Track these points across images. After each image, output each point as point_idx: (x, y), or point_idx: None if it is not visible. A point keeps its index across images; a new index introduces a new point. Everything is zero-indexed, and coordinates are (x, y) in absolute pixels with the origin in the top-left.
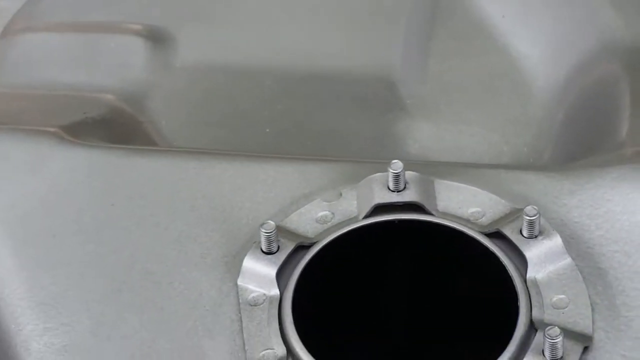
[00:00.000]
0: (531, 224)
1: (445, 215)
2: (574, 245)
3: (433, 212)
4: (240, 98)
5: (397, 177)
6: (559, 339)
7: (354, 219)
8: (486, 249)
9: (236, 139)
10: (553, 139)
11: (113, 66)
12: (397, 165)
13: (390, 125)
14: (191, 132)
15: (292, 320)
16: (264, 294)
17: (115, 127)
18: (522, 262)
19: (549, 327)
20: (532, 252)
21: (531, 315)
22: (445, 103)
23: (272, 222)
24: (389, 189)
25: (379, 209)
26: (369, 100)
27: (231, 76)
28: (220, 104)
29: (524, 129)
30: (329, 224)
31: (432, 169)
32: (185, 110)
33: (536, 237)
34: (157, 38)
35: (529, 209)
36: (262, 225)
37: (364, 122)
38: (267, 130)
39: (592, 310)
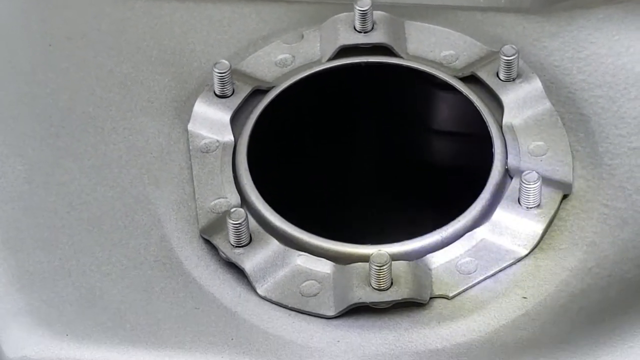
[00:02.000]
0: (509, 65)
1: (415, 58)
2: (554, 90)
3: (403, 55)
4: None
5: (364, 15)
6: (537, 184)
7: (317, 62)
8: (459, 93)
9: None
10: None
11: None
12: (364, 2)
13: None
14: None
15: (247, 167)
16: (217, 140)
17: None
18: (498, 106)
19: (526, 172)
20: (509, 96)
21: (507, 162)
22: None
23: (226, 62)
24: (355, 29)
25: (344, 51)
26: None
27: None
28: None
29: None
30: (289, 67)
31: (402, 10)
32: None
33: (514, 80)
34: None
35: (506, 49)
36: (215, 65)
37: None
38: None
39: (573, 157)
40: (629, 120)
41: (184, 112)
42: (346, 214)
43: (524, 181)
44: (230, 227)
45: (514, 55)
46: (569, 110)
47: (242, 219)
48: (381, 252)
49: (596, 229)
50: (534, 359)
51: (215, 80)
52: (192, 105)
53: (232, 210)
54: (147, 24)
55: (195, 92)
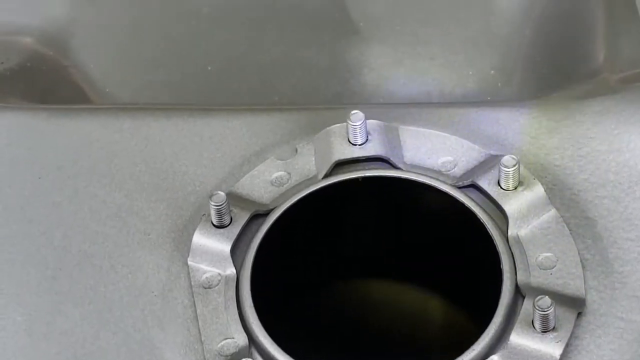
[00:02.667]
0: (510, 175)
1: (413, 167)
2: (557, 192)
3: (400, 166)
4: (174, 29)
5: (357, 129)
6: (551, 310)
7: (313, 179)
8: (462, 205)
9: (174, 80)
10: (522, 60)
11: (31, 2)
12: (357, 116)
13: (344, 52)
14: (123, 74)
15: (251, 303)
16: (219, 274)
17: (37, 76)
18: (501, 216)
19: (539, 298)
20: (512, 206)
21: (516, 279)
22: (400, 22)
23: (222, 194)
24: (350, 142)
25: (340, 165)
26: (318, 25)
27: (162, 3)
28: (153, 37)
29: (489, 48)
30: (286, 186)
31: (394, 111)
32: (114, 48)
33: (515, 188)
34: None
35: (507, 160)
36: (211, 197)
37: (313, 50)
38: (209, 68)
39: (583, 267)
40: (636, 222)
41: (182, 243)
42: (355, 345)
43: (538, 307)
44: None
45: (514, 166)
46: (574, 214)
47: None
48: None
49: (613, 346)
50: None
51: (213, 212)
52: (190, 235)
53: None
54: (136, 146)
55: (192, 219)
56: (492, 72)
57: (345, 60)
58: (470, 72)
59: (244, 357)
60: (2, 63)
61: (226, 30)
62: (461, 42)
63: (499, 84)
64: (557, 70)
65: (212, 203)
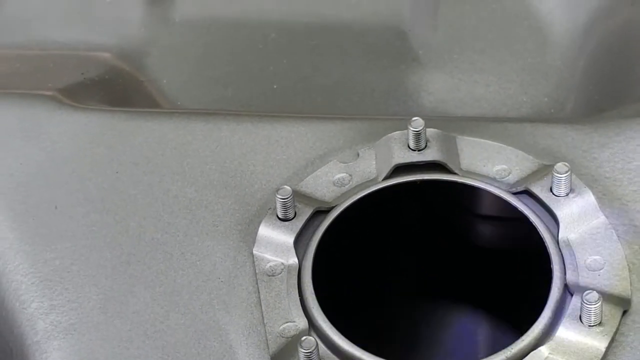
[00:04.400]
0: (562, 181)
1: (469, 173)
2: (607, 202)
3: (457, 171)
4: (243, 53)
5: (417, 135)
6: (598, 304)
7: (373, 181)
8: (515, 209)
9: (242, 97)
10: (575, 89)
11: (110, 22)
12: (417, 122)
13: (403, 77)
14: (194, 90)
15: (312, 290)
16: (282, 263)
17: (114, 87)
18: (553, 222)
19: (587, 292)
20: (564, 211)
21: (565, 278)
22: (458, 51)
23: (288, 188)
24: (409, 147)
25: (399, 169)
26: (378, 52)
27: (233, 30)
28: (223, 59)
29: (543, 77)
30: (347, 186)
31: (452, 124)
32: (187, 67)
33: (567, 195)
34: None
35: (559, 166)
36: (277, 190)
37: (374, 74)
38: (275, 86)
39: (629, 270)
40: None
41: (248, 235)
42: (411, 332)
43: (585, 301)
44: (302, 355)
45: (567, 172)
46: (623, 222)
47: (313, 347)
48: None
49: None
50: None
51: (278, 205)
52: (256, 228)
53: (302, 339)
54: (208, 147)
55: (258, 213)
56: (546, 99)
57: (404, 84)
58: (524, 99)
59: (305, 335)
60: (83, 74)
61: (292, 54)
62: (516, 72)
63: (552, 111)
64: (606, 94)
65: (278, 196)
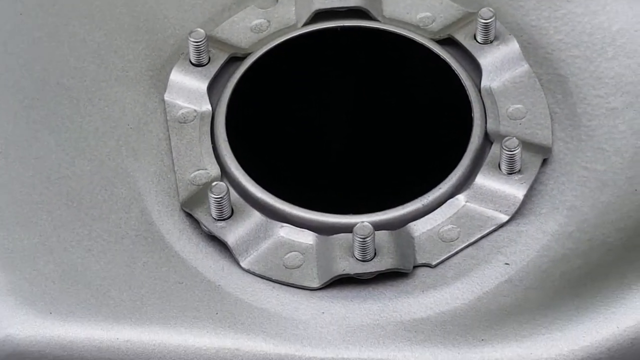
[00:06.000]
0: (486, 27)
1: (392, 21)
2: (532, 50)
3: (379, 18)
4: None
5: None
6: (517, 151)
7: (292, 27)
8: (437, 56)
9: None
10: None
11: None
12: None
13: None
14: None
15: (225, 138)
16: (194, 110)
17: None
18: (476, 69)
19: (507, 138)
20: (487, 58)
21: (486, 126)
22: None
23: (201, 31)
24: None
25: (320, 15)
26: None
27: None
28: None
29: None
30: (265, 32)
31: None
32: None
33: (491, 42)
34: None
35: (484, 12)
36: (190, 33)
37: None
38: None
39: (551, 120)
40: (606, 81)
41: (160, 81)
42: (326, 182)
43: (505, 147)
44: (212, 201)
45: (491, 18)
46: (547, 71)
47: (224, 193)
48: (364, 224)
49: (576, 192)
50: (518, 325)
51: (191, 49)
52: (168, 74)
53: (213, 184)
54: None
55: (170, 60)
56: None
57: None
58: None
59: (216, 181)
60: None
61: None
62: None
63: None
64: None
65: (191, 39)
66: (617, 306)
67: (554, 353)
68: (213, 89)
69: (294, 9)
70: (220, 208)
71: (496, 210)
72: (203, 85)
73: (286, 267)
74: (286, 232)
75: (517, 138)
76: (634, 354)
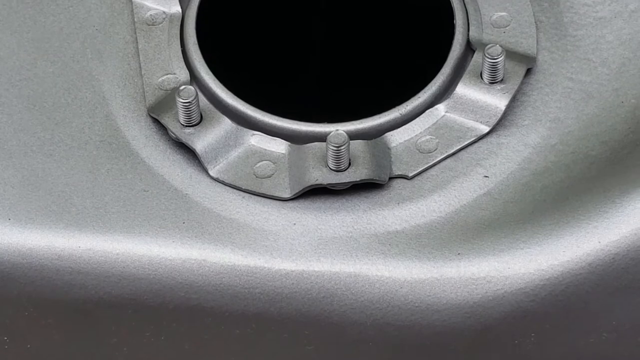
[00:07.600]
0: None
1: None
2: None
3: None
4: None
5: None
6: (500, 59)
7: None
8: None
9: None
10: None
11: None
12: None
13: None
14: None
15: (195, 41)
16: (164, 12)
17: None
18: None
19: (490, 46)
20: None
21: (468, 34)
22: None
23: None
24: None
25: None
26: None
27: None
28: None
29: None
30: None
31: None
32: None
33: None
34: None
35: None
36: None
37: None
38: None
39: (537, 28)
40: None
41: None
42: (302, 90)
43: (487, 55)
44: (180, 105)
45: None
46: None
47: (192, 97)
48: (339, 132)
49: (560, 104)
50: (496, 239)
51: None
52: None
53: (181, 87)
54: None
55: None
56: None
57: None
58: None
59: (184, 85)
60: None
61: None
62: None
63: None
64: None
65: None
66: (599, 220)
67: (533, 268)
68: None
69: None
70: (188, 113)
71: (477, 121)
72: None
73: (257, 177)
74: (257, 140)
75: (500, 46)
76: (615, 269)
